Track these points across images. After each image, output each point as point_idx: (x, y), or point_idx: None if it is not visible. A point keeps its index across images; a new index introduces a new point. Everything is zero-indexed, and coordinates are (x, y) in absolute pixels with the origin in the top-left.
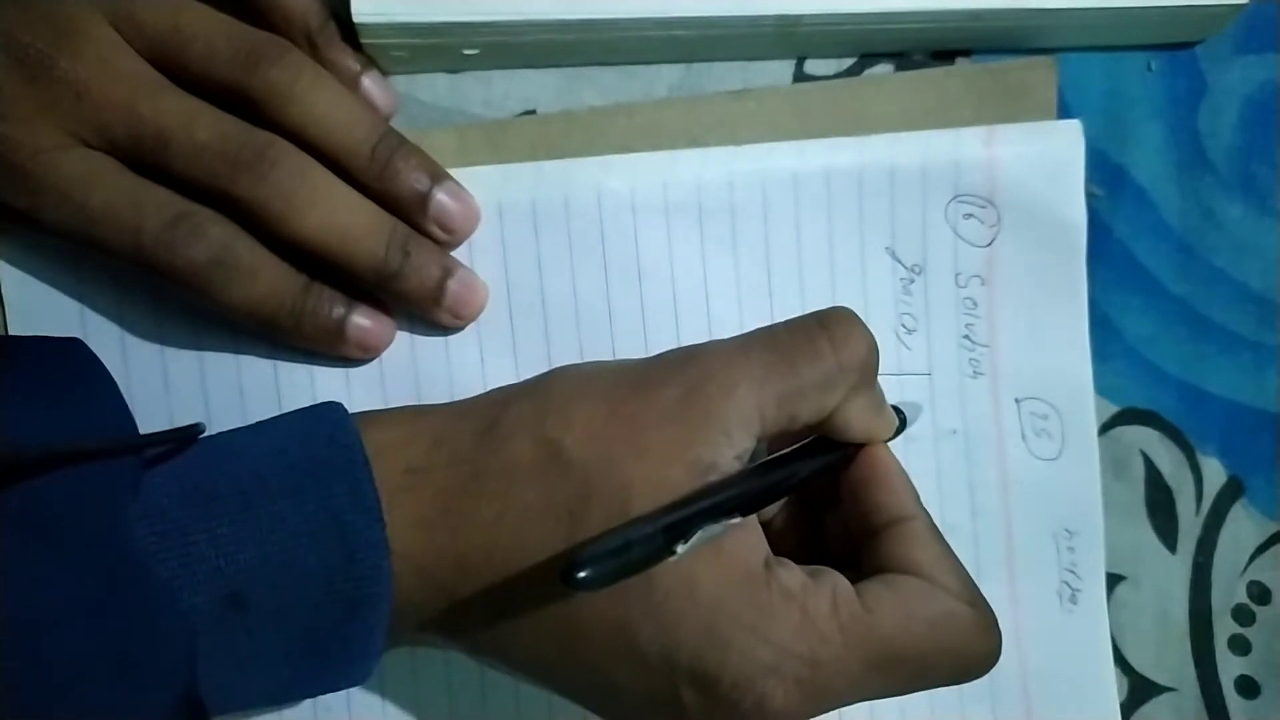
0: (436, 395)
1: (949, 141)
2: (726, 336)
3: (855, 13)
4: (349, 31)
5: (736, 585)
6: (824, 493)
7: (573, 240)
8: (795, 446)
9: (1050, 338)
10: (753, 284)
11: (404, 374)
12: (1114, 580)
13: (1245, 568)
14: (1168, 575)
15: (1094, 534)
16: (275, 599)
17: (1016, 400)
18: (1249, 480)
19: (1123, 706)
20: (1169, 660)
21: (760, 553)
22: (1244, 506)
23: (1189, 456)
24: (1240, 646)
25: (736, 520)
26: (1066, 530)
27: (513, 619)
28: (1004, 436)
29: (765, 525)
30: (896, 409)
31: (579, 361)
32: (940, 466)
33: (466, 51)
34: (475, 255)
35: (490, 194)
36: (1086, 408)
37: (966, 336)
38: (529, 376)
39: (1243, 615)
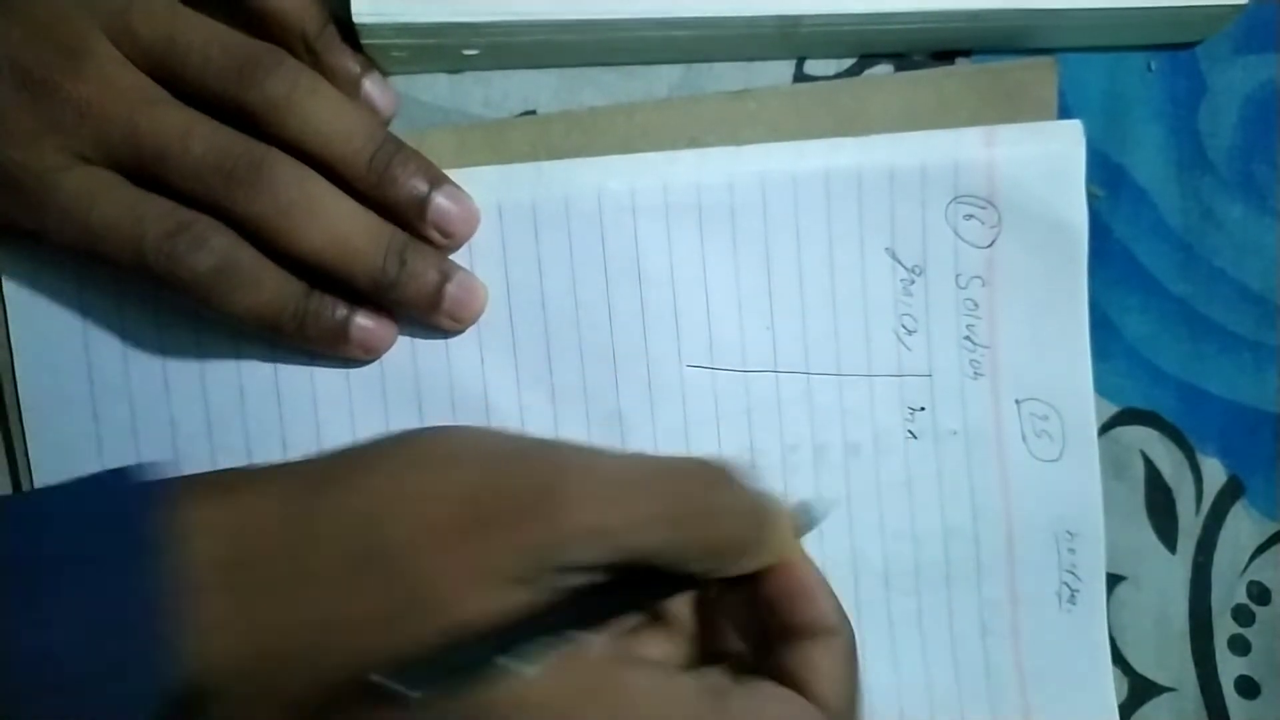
0: (437, 396)
1: (949, 142)
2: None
3: (855, 13)
4: (349, 32)
5: (580, 699)
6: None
7: (573, 241)
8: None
9: (1051, 339)
10: (752, 286)
11: (405, 375)
12: (1114, 580)
13: (1245, 568)
14: (1168, 575)
15: (1094, 535)
16: (49, 697)
17: (1017, 401)
18: (1249, 480)
19: (1122, 707)
20: (1169, 660)
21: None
22: (1244, 507)
23: (1189, 456)
24: (1240, 647)
25: (571, 638)
26: (1068, 532)
27: None
28: (1004, 438)
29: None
30: (808, 507)
31: (452, 425)
32: (941, 468)
33: (466, 52)
34: (475, 257)
35: (490, 195)
36: (1087, 409)
37: (967, 338)
38: (527, 381)
39: (1243, 615)
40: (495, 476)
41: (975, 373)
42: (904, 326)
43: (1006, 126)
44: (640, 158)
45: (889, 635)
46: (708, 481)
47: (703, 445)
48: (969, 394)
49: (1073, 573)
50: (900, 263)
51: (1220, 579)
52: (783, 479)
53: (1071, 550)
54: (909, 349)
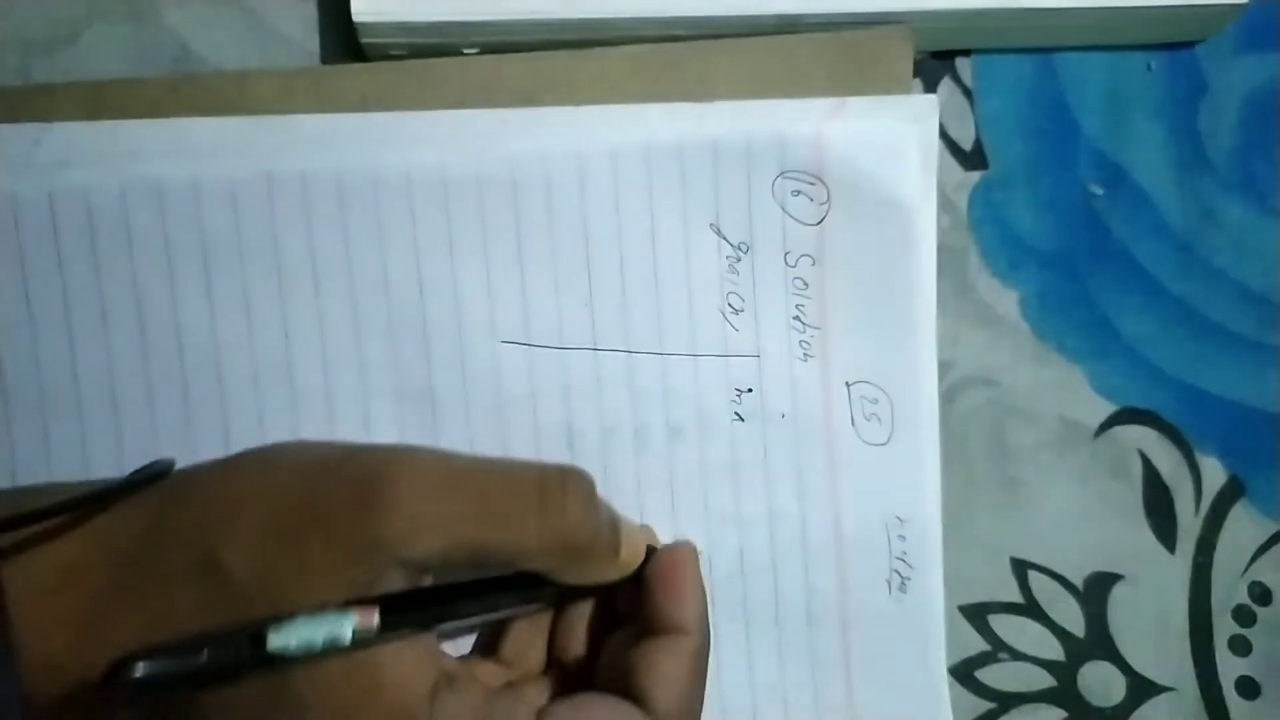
0: (238, 373)
1: (779, 113)
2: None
3: (855, 12)
4: (349, 31)
5: (381, 713)
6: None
7: (381, 213)
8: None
9: (884, 321)
10: (570, 261)
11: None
12: (1111, 579)
13: (1246, 568)
14: (1167, 575)
15: (927, 522)
16: None
17: (847, 384)
18: (1249, 481)
19: (1120, 705)
20: (1168, 660)
21: (425, 680)
22: (1244, 507)
23: (1187, 456)
24: (1241, 647)
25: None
26: (898, 518)
27: None
28: (834, 421)
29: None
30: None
31: (294, 440)
32: (768, 451)
33: (466, 51)
34: (279, 227)
35: (295, 162)
36: (921, 393)
37: (797, 318)
38: (334, 356)
39: (1243, 616)
40: (318, 477)
41: (805, 354)
42: (730, 305)
43: (857, 99)
44: (469, 115)
45: (711, 620)
46: (547, 481)
47: (518, 425)
48: (798, 376)
49: (904, 560)
50: (726, 239)
51: (1220, 579)
52: (601, 462)
53: (902, 537)
54: (736, 329)
